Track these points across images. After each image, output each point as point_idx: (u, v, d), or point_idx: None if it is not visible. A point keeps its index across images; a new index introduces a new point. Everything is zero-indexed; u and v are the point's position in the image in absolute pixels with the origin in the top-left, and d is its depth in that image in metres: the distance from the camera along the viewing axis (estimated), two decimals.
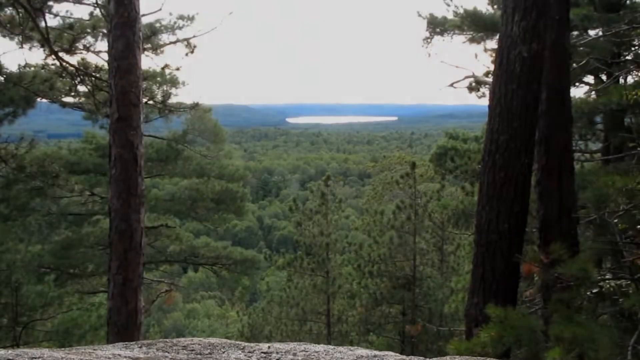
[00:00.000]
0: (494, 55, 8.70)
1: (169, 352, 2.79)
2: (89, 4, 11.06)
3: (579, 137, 11.79)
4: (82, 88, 11.71)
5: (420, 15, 14.05)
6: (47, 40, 9.75)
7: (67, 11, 10.72)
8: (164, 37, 12.12)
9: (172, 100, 12.91)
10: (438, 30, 13.95)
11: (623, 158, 9.56)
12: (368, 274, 18.13)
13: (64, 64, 10.82)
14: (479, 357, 3.19)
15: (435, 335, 17.00)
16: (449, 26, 13.43)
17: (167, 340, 3.05)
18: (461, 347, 4.74)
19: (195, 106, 13.22)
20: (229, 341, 3.07)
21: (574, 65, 9.47)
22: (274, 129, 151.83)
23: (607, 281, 6.40)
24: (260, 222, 65.95)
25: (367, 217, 22.04)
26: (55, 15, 10.63)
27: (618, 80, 10.19)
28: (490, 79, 9.68)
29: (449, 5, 12.89)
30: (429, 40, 14.28)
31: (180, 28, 12.01)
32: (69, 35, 10.61)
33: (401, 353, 2.94)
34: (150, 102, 12.70)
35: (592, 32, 10.75)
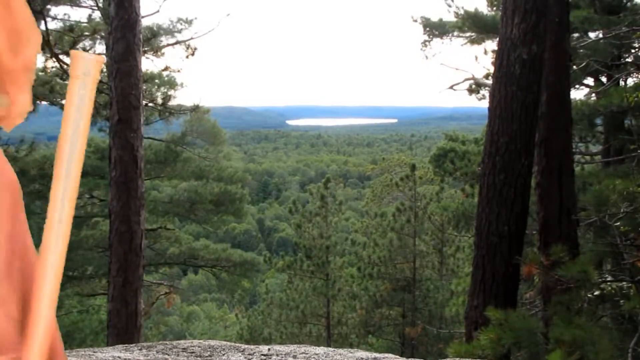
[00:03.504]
0: (494, 57, 8.71)
1: (168, 354, 2.79)
2: (87, 7, 11.08)
3: (579, 139, 11.80)
4: None
5: (415, 21, 14.12)
6: (47, 42, 9.76)
7: (65, 14, 10.75)
8: (164, 39, 12.14)
9: (172, 102, 12.92)
10: (437, 32, 13.99)
11: (623, 160, 9.56)
12: (368, 276, 18.14)
13: (65, 66, 10.83)
14: None
15: (435, 337, 17.01)
16: (450, 27, 13.46)
17: (167, 342, 3.05)
18: (461, 350, 4.74)
19: (195, 108, 13.22)
20: (228, 343, 3.07)
21: (574, 67, 9.48)
22: (273, 131, 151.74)
23: (607, 283, 6.39)
24: (261, 224, 65.95)
25: (367, 220, 22.08)
26: (54, 17, 10.65)
27: (618, 83, 10.19)
28: (490, 81, 9.69)
29: (450, 6, 12.93)
30: (427, 42, 14.33)
31: (179, 31, 12.02)
32: (70, 38, 10.62)
33: (401, 355, 2.94)
34: (151, 104, 12.71)
35: (592, 35, 10.77)
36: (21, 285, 0.86)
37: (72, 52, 0.81)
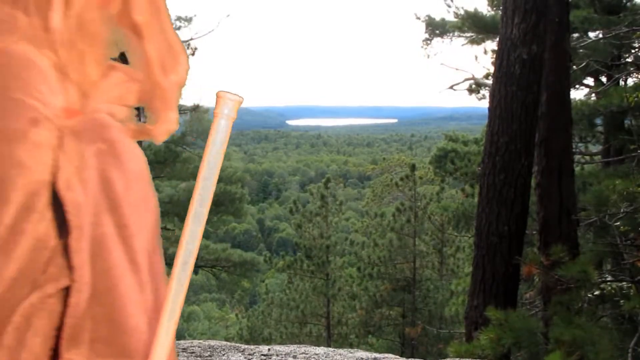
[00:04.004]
0: (494, 57, 8.71)
1: None
2: None
3: (578, 139, 11.79)
4: None
5: (418, 18, 14.13)
6: None
7: None
8: None
9: None
10: (438, 32, 14.00)
11: (623, 160, 9.56)
12: (368, 276, 18.13)
13: None
14: None
15: (435, 337, 17.00)
16: (450, 27, 13.46)
17: None
18: (461, 350, 4.74)
19: (195, 108, 13.22)
20: (228, 343, 3.07)
21: (574, 67, 9.48)
22: (273, 131, 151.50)
23: (607, 283, 6.39)
24: (261, 224, 65.90)
25: (367, 220, 22.07)
26: None
27: (618, 83, 10.19)
28: (490, 81, 9.69)
29: (449, 6, 12.93)
30: (428, 41, 14.35)
31: (179, 29, 12.02)
32: None
33: (401, 355, 2.94)
34: None
35: (592, 34, 10.77)
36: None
37: (217, 92, 0.89)
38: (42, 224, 0.77)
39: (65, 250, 0.78)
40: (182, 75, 0.97)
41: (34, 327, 0.77)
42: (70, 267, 0.78)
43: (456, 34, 13.53)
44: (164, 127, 1.00)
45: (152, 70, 0.92)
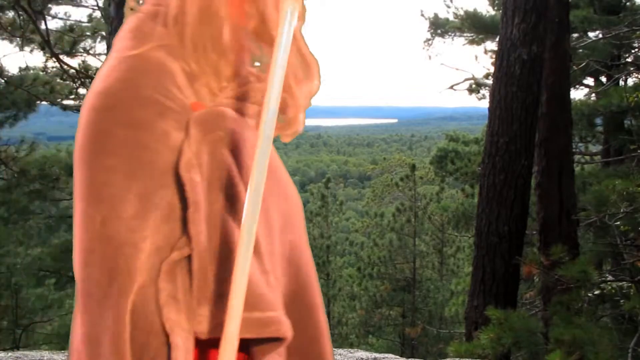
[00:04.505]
0: (494, 57, 8.72)
1: None
2: (87, 6, 11.08)
3: (578, 139, 11.80)
4: (82, 91, 11.72)
5: (423, 15, 14.12)
6: (47, 42, 9.77)
7: (65, 13, 10.76)
8: None
9: None
10: (439, 31, 14.00)
11: (623, 160, 9.57)
12: (368, 276, 18.14)
13: (65, 66, 10.83)
14: None
15: (435, 337, 17.00)
16: (450, 27, 13.46)
17: None
18: (461, 349, 4.74)
19: None
20: None
21: (574, 67, 9.48)
22: None
23: (607, 283, 6.40)
24: None
25: (367, 220, 22.07)
26: (54, 16, 10.66)
27: (618, 83, 10.19)
28: (490, 81, 9.70)
29: (449, 7, 12.93)
30: (430, 42, 14.35)
31: None
32: (70, 38, 10.62)
33: (401, 355, 2.94)
34: None
35: (592, 34, 10.77)
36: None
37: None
38: (169, 197, 0.89)
39: (185, 222, 0.90)
40: (314, 86, 1.09)
41: (177, 287, 0.88)
42: (189, 237, 0.89)
43: (456, 34, 13.54)
44: (292, 129, 1.09)
45: (285, 77, 1.02)
